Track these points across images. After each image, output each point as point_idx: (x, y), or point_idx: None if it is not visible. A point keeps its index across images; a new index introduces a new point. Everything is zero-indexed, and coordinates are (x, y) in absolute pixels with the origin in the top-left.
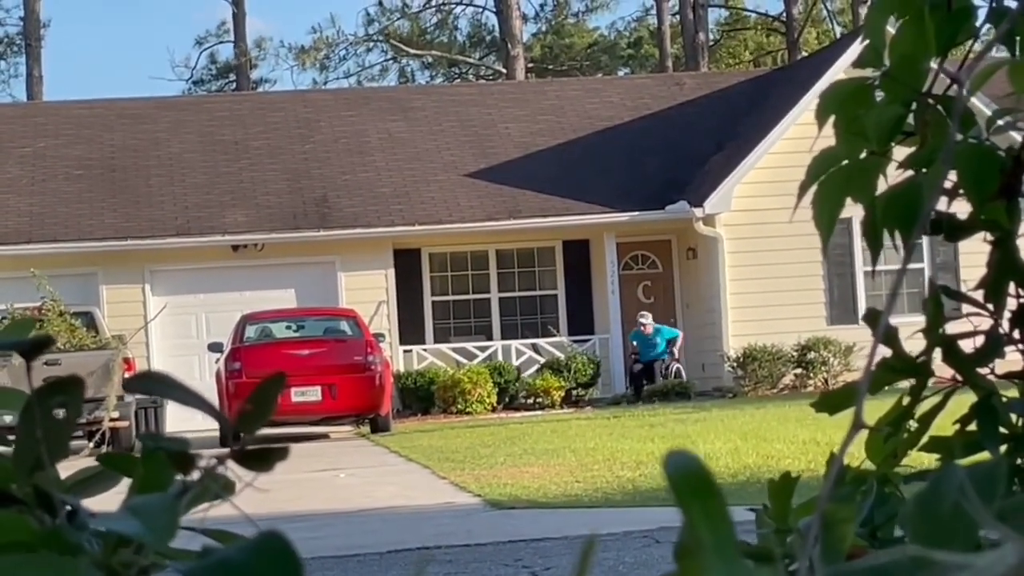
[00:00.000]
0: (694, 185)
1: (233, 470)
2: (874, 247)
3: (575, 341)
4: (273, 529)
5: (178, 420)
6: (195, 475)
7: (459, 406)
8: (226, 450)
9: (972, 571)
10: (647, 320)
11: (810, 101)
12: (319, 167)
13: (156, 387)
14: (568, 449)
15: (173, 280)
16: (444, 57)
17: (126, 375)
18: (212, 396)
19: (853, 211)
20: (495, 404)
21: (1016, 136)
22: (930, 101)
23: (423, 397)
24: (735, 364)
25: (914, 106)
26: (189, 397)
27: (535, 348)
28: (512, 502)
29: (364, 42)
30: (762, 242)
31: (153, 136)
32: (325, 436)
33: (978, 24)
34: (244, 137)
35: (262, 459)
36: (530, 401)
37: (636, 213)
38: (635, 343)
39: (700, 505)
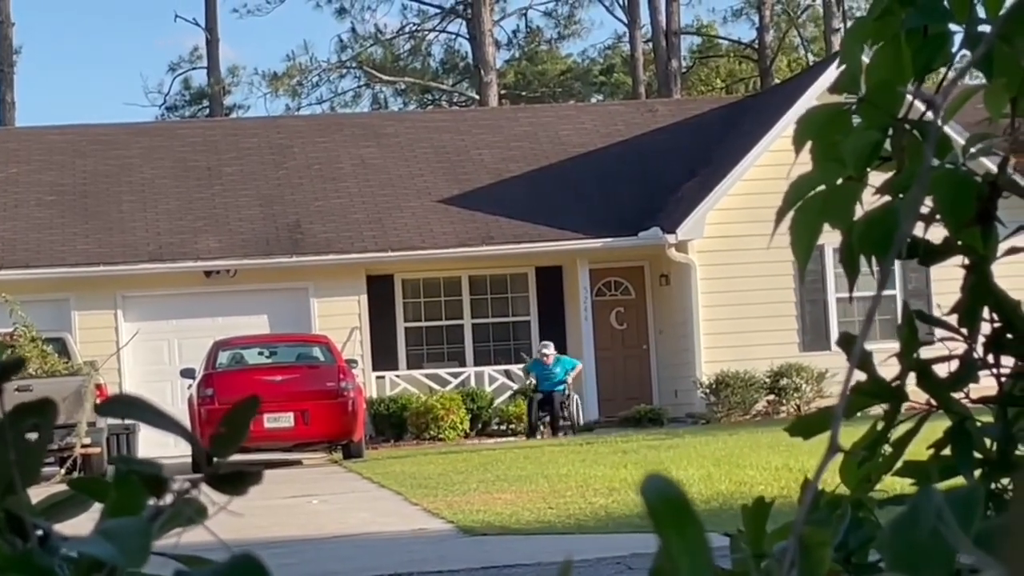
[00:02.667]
0: (667, 212)
1: (206, 494)
2: (851, 273)
3: None
4: (248, 552)
5: (150, 446)
6: (167, 499)
7: (432, 432)
8: (199, 474)
9: None
10: (550, 351)
11: (782, 128)
12: (292, 193)
13: (129, 411)
14: (541, 475)
15: (145, 306)
16: (417, 83)
17: (98, 401)
18: (184, 422)
19: (826, 238)
20: (468, 430)
21: (990, 163)
22: (907, 126)
23: (396, 423)
24: (708, 390)
25: (891, 132)
26: (163, 420)
27: (508, 374)
28: (484, 528)
29: (337, 69)
30: (735, 268)
31: (126, 162)
32: (298, 462)
33: (954, 50)
34: (217, 163)
35: (236, 482)
36: (503, 427)
37: (609, 239)
38: (532, 373)
39: (677, 530)
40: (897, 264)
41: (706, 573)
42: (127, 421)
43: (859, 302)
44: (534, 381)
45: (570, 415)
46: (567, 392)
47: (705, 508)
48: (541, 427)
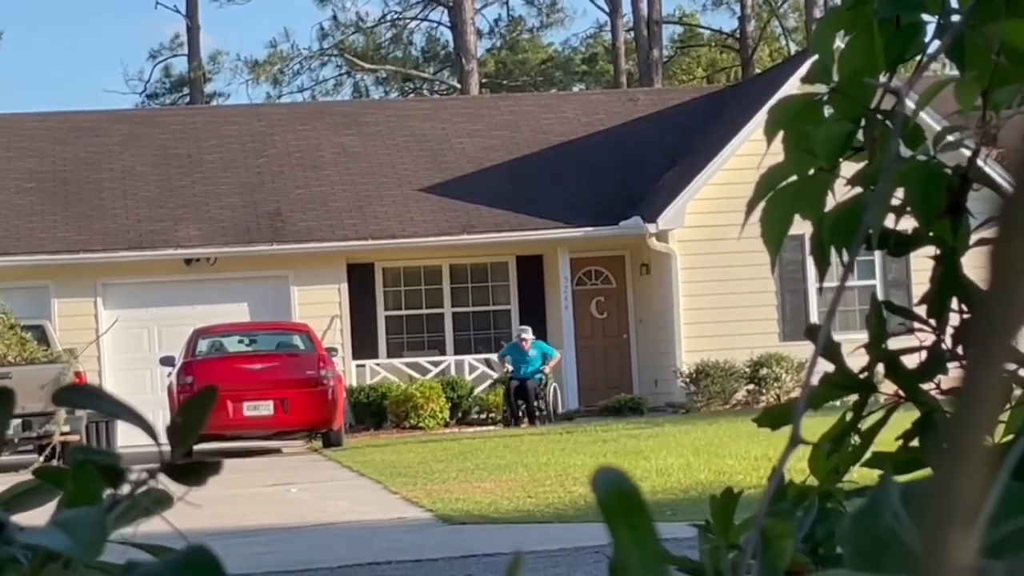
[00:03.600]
0: (648, 201)
1: (165, 484)
2: (821, 265)
3: None
4: (200, 544)
5: (130, 435)
6: (126, 489)
7: (412, 421)
8: (156, 465)
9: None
10: (528, 335)
11: (763, 118)
12: (272, 181)
13: (87, 400)
14: (520, 464)
15: (125, 294)
16: (398, 72)
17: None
18: (164, 410)
19: (805, 227)
20: (448, 419)
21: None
22: (879, 117)
23: (376, 412)
24: (688, 380)
25: (863, 122)
26: (120, 410)
27: (488, 363)
28: (464, 517)
29: (318, 56)
30: (715, 258)
31: (106, 149)
32: (277, 451)
33: (927, 40)
34: (197, 151)
35: (194, 473)
36: (483, 416)
37: (590, 229)
38: (508, 357)
39: (627, 522)
40: (877, 254)
41: (656, 564)
42: None
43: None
44: (509, 367)
45: (547, 404)
46: (544, 380)
47: (684, 497)
48: (521, 414)
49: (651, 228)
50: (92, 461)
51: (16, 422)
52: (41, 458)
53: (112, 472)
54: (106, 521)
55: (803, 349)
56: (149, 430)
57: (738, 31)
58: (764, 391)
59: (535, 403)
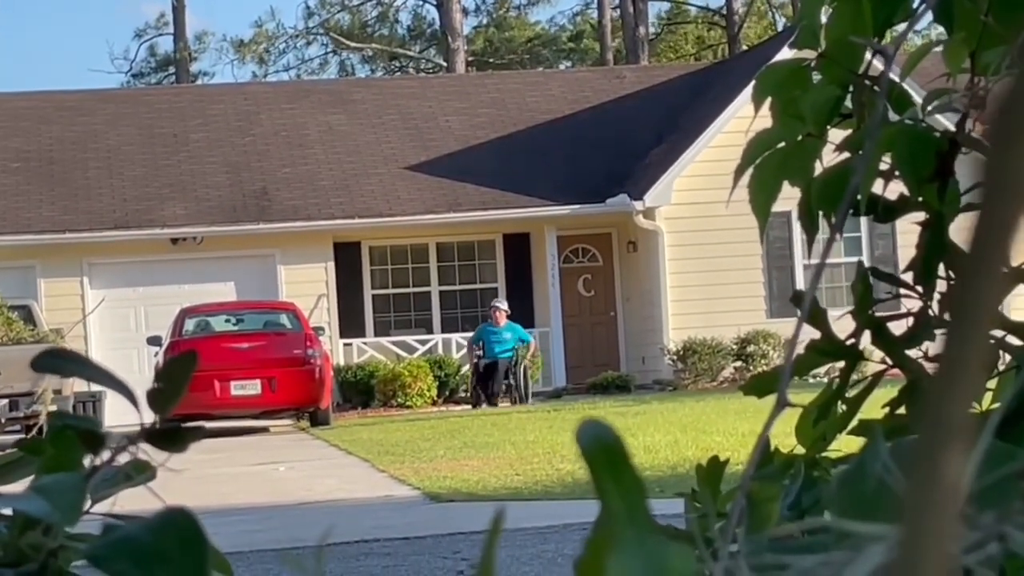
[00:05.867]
0: (634, 178)
1: (150, 457)
2: (809, 231)
3: None
4: (178, 505)
5: (117, 415)
6: (106, 455)
7: (399, 399)
8: (137, 431)
9: (891, 544)
10: (503, 304)
11: (750, 94)
12: (259, 160)
13: (64, 365)
14: (508, 442)
15: (112, 273)
16: (384, 51)
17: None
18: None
19: (792, 204)
20: (435, 397)
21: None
22: (867, 82)
23: (363, 390)
24: (675, 357)
25: (852, 88)
26: (98, 374)
27: None
28: (451, 495)
29: (304, 36)
30: (702, 235)
31: (91, 129)
32: (265, 430)
33: (915, 5)
34: (183, 130)
35: (175, 439)
36: (470, 394)
37: (576, 206)
38: (480, 342)
39: (612, 474)
40: (864, 230)
41: (642, 516)
42: (94, 389)
43: (826, 268)
44: (480, 352)
45: (519, 383)
46: (515, 359)
47: (672, 474)
48: (482, 396)
49: (638, 205)
50: (71, 427)
51: (3, 402)
52: (28, 438)
53: (92, 438)
54: (86, 487)
55: (790, 326)
56: (129, 395)
57: (725, 8)
58: (751, 368)
59: (502, 382)
